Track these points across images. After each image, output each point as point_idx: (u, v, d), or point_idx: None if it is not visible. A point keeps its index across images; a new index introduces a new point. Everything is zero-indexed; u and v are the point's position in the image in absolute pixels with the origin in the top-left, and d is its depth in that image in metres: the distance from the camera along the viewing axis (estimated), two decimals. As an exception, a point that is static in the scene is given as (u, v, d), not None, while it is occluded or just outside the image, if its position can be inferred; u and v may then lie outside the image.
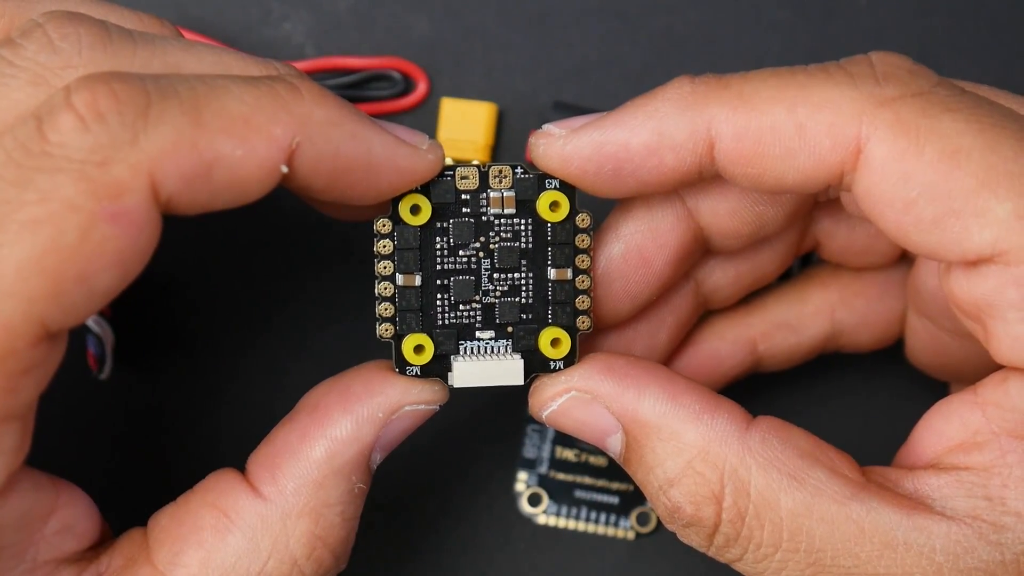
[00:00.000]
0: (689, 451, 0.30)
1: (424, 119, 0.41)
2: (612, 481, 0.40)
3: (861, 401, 0.41)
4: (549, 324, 0.32)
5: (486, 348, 0.32)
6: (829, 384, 0.41)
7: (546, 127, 0.31)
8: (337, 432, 0.31)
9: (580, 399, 0.31)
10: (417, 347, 0.32)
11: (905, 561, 0.29)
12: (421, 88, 0.41)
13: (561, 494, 0.40)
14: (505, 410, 0.40)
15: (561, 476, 0.40)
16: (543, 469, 0.40)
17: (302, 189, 0.30)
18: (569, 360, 0.32)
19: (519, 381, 0.32)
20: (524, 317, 0.32)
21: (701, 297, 0.36)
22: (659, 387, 0.31)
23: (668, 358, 0.37)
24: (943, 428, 0.30)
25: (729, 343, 0.38)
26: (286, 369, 0.41)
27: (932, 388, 0.40)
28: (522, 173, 0.32)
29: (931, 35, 0.42)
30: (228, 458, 0.40)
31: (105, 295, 0.27)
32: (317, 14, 0.41)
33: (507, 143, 0.41)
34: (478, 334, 0.32)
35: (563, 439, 0.40)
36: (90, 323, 0.39)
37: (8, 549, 0.29)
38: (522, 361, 0.32)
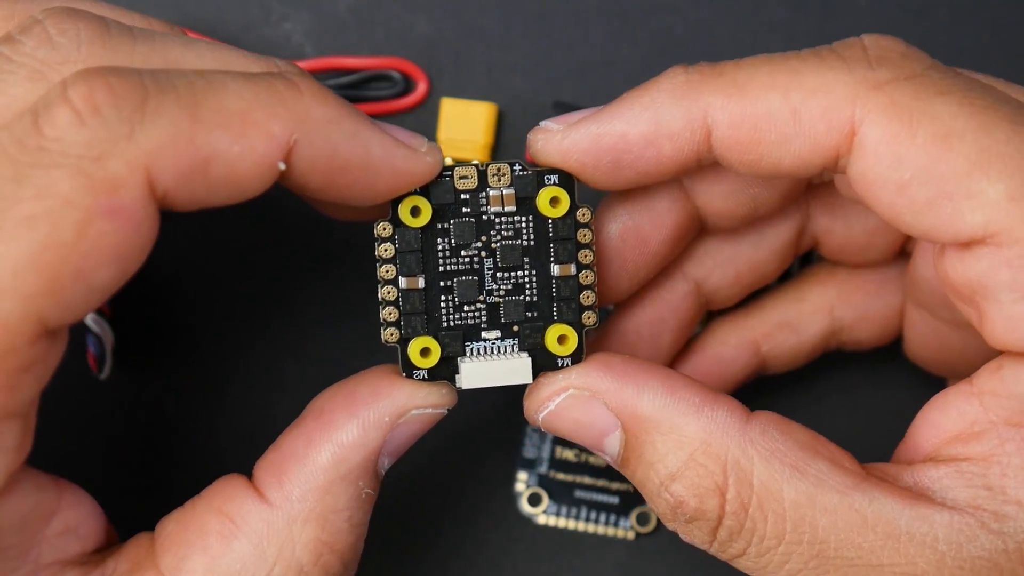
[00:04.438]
0: (691, 444, 0.30)
1: (424, 119, 0.41)
2: (612, 481, 0.40)
3: (859, 402, 0.41)
4: (555, 321, 0.32)
5: (493, 348, 0.32)
6: (828, 385, 0.41)
7: (543, 123, 0.32)
8: (343, 437, 0.31)
9: (579, 397, 0.31)
10: (423, 350, 0.31)
11: (908, 551, 0.29)
12: (421, 88, 0.41)
13: (561, 494, 0.40)
14: (505, 410, 0.40)
15: (561, 476, 0.40)
16: (543, 469, 0.40)
17: (299, 187, 0.30)
18: (576, 357, 0.32)
19: (528, 379, 0.32)
20: (529, 315, 0.32)
21: (702, 298, 0.36)
22: (658, 382, 0.30)
23: (672, 362, 0.37)
24: (940, 420, 0.30)
25: (732, 347, 0.38)
26: (286, 368, 0.41)
27: (930, 387, 0.40)
28: (520, 170, 0.32)
29: (931, 35, 0.42)
30: (229, 457, 0.40)
31: (104, 291, 0.27)
32: (317, 14, 0.41)
33: (507, 143, 0.41)
34: (484, 334, 0.32)
35: (563, 439, 0.40)
36: (90, 323, 0.39)
37: (10, 550, 0.29)
38: (530, 359, 0.32)
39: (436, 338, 0.31)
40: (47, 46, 0.28)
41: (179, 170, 0.27)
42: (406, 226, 0.31)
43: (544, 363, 0.32)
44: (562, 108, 0.40)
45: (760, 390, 0.40)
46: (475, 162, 0.32)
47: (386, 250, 0.31)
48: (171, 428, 0.40)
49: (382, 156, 0.30)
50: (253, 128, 0.28)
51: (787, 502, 0.29)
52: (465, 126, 0.40)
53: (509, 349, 0.32)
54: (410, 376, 0.31)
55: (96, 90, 0.26)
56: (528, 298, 0.32)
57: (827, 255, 0.37)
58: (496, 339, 0.32)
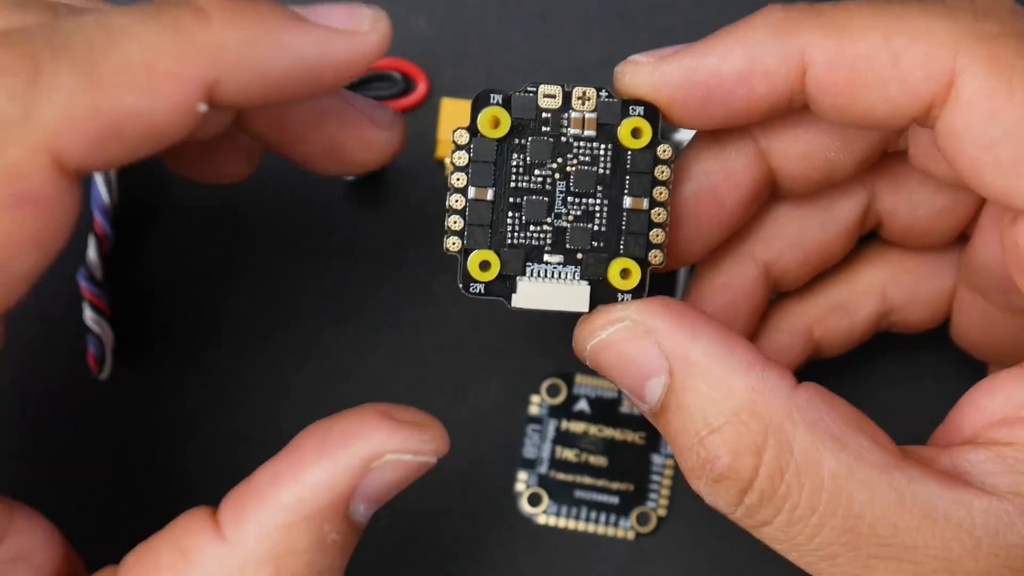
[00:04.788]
0: (736, 399, 0.29)
1: (424, 119, 0.41)
2: (612, 481, 0.40)
3: (899, 383, 0.41)
4: (620, 254, 0.31)
5: (554, 272, 0.31)
6: (868, 367, 0.41)
7: (632, 57, 0.31)
8: (307, 477, 0.29)
9: (633, 330, 0.30)
10: (483, 263, 0.31)
11: (944, 533, 0.28)
12: (421, 88, 0.41)
13: (561, 494, 0.40)
14: (505, 410, 0.40)
15: (561, 476, 0.40)
16: (543, 469, 0.40)
17: (237, 112, 0.28)
18: (638, 293, 0.31)
19: (584, 308, 0.31)
20: (595, 244, 0.31)
21: (771, 281, 0.36)
22: (715, 332, 0.29)
23: None
24: (986, 403, 0.30)
25: (786, 334, 0.37)
26: (287, 368, 0.41)
27: (970, 370, 0.39)
28: (607, 96, 0.31)
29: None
30: (228, 458, 0.40)
31: (27, 277, 0.26)
32: (317, 14, 0.41)
33: (507, 143, 0.41)
34: (546, 257, 0.31)
35: (563, 439, 0.40)
36: (90, 323, 0.39)
37: None
38: (589, 288, 0.31)
39: (498, 253, 0.31)
40: None
41: (87, 141, 0.25)
42: (483, 136, 0.31)
43: (603, 296, 0.31)
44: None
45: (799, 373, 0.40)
46: (562, 83, 0.31)
47: (460, 158, 0.31)
48: (171, 428, 0.40)
49: (318, 56, 0.27)
50: (162, 79, 0.25)
51: (826, 472, 0.28)
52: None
53: (570, 275, 0.31)
54: (466, 289, 0.31)
55: None
56: (596, 227, 0.31)
57: (886, 236, 0.37)
58: (558, 263, 0.31)
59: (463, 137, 0.31)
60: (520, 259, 0.31)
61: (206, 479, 0.33)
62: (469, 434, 0.40)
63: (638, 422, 0.40)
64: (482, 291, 0.31)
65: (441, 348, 0.40)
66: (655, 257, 0.31)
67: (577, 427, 0.40)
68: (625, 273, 0.31)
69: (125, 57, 0.25)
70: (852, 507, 0.28)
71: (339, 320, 0.41)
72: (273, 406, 0.40)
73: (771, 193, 0.34)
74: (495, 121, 0.31)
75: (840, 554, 0.28)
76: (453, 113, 0.40)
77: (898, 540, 0.28)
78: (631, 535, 0.40)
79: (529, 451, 0.40)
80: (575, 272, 0.31)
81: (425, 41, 0.41)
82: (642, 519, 0.40)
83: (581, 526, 0.40)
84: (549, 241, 0.31)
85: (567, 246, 0.31)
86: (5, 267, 0.25)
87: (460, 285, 0.31)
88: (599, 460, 0.40)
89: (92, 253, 0.39)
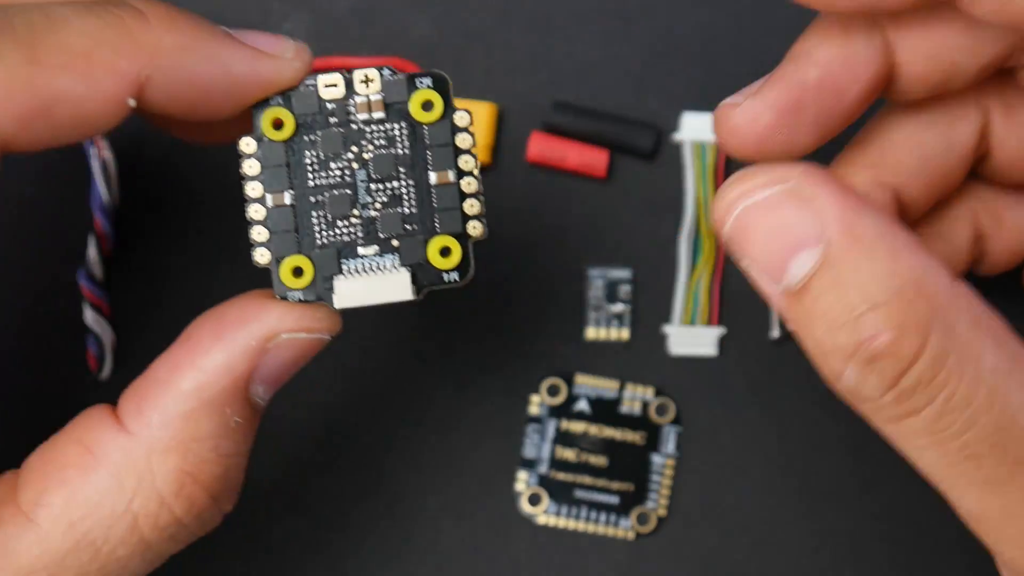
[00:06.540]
0: (902, 277, 0.27)
1: (424, 119, 0.41)
2: (612, 481, 0.40)
3: None
4: (437, 233, 0.30)
5: (371, 265, 0.30)
6: None
7: None
8: (207, 362, 0.29)
9: (795, 194, 0.28)
10: (296, 270, 0.30)
11: None
12: (421, 88, 0.41)
13: (561, 494, 0.40)
14: (505, 410, 0.40)
15: (561, 476, 0.40)
16: (543, 469, 0.40)
17: (159, 115, 0.29)
18: (463, 270, 0.30)
19: (407, 296, 0.30)
20: (408, 228, 0.30)
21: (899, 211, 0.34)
22: (879, 211, 0.28)
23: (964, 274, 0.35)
24: None
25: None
26: (286, 369, 0.41)
27: None
28: (390, 74, 0.30)
29: (931, 35, 0.42)
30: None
31: None
32: (317, 14, 0.41)
33: (507, 143, 0.41)
34: (360, 251, 0.30)
35: (563, 439, 0.40)
36: (90, 323, 0.39)
37: None
38: (409, 274, 0.30)
39: (309, 257, 0.30)
40: None
41: (18, 116, 0.26)
42: (270, 140, 0.30)
43: (427, 279, 0.30)
44: (562, 108, 0.40)
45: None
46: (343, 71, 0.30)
47: (251, 167, 0.30)
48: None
49: (245, 72, 0.29)
50: (99, 67, 0.27)
51: (987, 367, 0.27)
52: (465, 126, 0.40)
53: (389, 264, 0.30)
54: (285, 299, 0.30)
55: None
56: (407, 210, 0.30)
57: (989, 172, 0.35)
58: (374, 255, 0.30)
59: (250, 146, 0.30)
60: (333, 258, 0.30)
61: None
62: (469, 434, 0.40)
63: (638, 422, 0.40)
64: (301, 298, 0.30)
65: (441, 348, 0.40)
66: (475, 229, 0.30)
67: (577, 427, 0.40)
68: (446, 252, 0.30)
69: (64, 42, 0.26)
70: (1008, 406, 0.27)
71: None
72: (272, 405, 0.40)
73: (882, 94, 0.32)
74: (278, 123, 0.30)
75: (985, 455, 0.27)
76: (453, 113, 0.40)
77: None
78: (631, 535, 0.40)
79: (529, 451, 0.40)
80: (394, 260, 0.30)
81: (425, 41, 0.41)
82: (642, 519, 0.40)
83: (581, 526, 0.40)
84: (360, 234, 0.30)
85: (380, 235, 0.30)
86: None
87: (277, 296, 0.30)
88: (599, 460, 0.40)
89: (92, 252, 0.39)
